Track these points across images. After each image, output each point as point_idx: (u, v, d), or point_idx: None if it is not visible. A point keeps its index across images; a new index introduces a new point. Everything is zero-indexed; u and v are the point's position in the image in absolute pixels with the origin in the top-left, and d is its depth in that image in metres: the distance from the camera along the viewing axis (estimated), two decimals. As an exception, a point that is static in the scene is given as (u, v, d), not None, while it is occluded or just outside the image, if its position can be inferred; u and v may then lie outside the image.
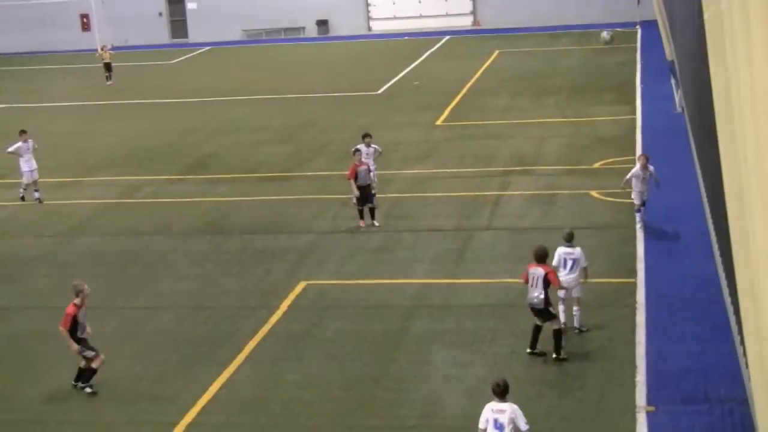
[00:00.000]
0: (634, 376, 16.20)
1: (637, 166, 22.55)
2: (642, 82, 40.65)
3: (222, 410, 16.12)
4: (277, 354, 18.02)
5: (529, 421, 12.93)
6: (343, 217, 25.43)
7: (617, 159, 28.81)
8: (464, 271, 21.35)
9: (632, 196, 22.79)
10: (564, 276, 17.47)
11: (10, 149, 28.63)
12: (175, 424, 15.70)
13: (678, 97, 34.06)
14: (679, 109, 33.65)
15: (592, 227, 23.24)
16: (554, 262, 17.50)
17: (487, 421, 12.94)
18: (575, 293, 17.77)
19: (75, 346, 16.50)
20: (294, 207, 26.82)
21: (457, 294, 20.07)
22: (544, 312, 16.76)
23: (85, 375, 16.75)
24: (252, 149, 33.87)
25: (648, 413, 15.02)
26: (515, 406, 12.99)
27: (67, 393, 16.80)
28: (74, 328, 16.49)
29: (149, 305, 20.78)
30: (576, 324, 17.93)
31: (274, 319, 19.52)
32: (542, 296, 16.65)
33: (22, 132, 28.63)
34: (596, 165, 28.94)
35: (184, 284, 21.76)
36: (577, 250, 17.77)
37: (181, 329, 19.46)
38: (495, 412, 12.93)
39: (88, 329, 16.83)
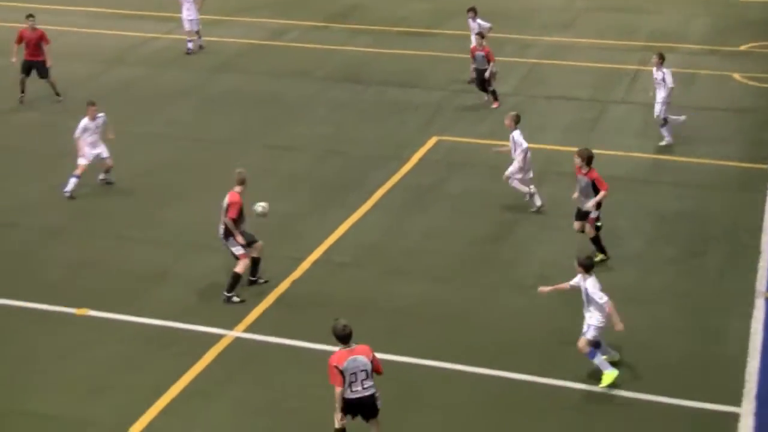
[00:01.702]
0: (757, 261, 16.21)
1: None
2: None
3: (347, 251, 16.88)
4: (404, 204, 18.61)
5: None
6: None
7: (765, 43, 27.97)
8: (595, 142, 21.25)
9: None
10: None
11: None
12: (301, 260, 16.50)
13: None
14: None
15: (730, 110, 22.87)
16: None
17: (578, 284, 13.16)
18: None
19: (241, 239, 15.18)
20: (432, 63, 27.00)
21: (586, 164, 20.15)
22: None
23: (229, 283, 15.22)
24: (395, 3, 33.84)
25: (767, 300, 15.08)
26: (596, 281, 13.02)
27: (204, 217, 17.03)
28: (240, 217, 15.16)
29: (286, 145, 21.51)
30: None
31: (404, 170, 20.05)
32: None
33: None
34: (742, 47, 28.17)
35: (321, 128, 22.40)
36: None
37: (315, 171, 20.19)
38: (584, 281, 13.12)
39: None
